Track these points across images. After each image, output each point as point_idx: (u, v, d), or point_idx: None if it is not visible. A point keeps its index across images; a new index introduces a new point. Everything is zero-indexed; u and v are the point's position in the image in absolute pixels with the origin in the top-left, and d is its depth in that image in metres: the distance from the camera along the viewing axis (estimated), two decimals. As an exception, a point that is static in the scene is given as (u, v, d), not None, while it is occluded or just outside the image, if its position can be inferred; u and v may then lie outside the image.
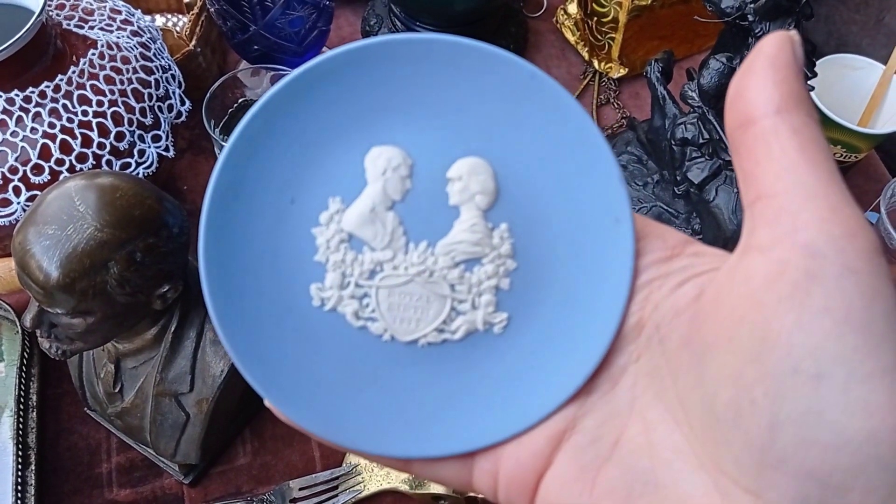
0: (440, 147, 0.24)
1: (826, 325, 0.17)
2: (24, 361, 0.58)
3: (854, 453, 0.17)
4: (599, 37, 0.80)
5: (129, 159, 0.55)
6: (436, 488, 0.54)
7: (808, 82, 0.51)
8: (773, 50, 0.19)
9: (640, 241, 0.23)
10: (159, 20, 0.80)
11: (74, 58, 0.53)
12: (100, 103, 0.53)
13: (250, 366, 0.23)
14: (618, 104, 0.81)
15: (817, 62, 0.70)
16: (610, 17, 0.78)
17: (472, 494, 0.54)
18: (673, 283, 0.22)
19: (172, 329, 0.49)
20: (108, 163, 0.53)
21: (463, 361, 0.24)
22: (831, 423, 0.17)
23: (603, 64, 0.81)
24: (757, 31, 0.51)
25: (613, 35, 0.78)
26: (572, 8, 0.83)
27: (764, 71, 0.19)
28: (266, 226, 0.23)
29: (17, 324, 0.60)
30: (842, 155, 0.70)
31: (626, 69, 0.80)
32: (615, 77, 0.81)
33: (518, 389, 0.23)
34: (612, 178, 0.23)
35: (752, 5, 0.50)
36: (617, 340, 0.23)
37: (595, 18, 0.79)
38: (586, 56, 0.83)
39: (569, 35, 0.85)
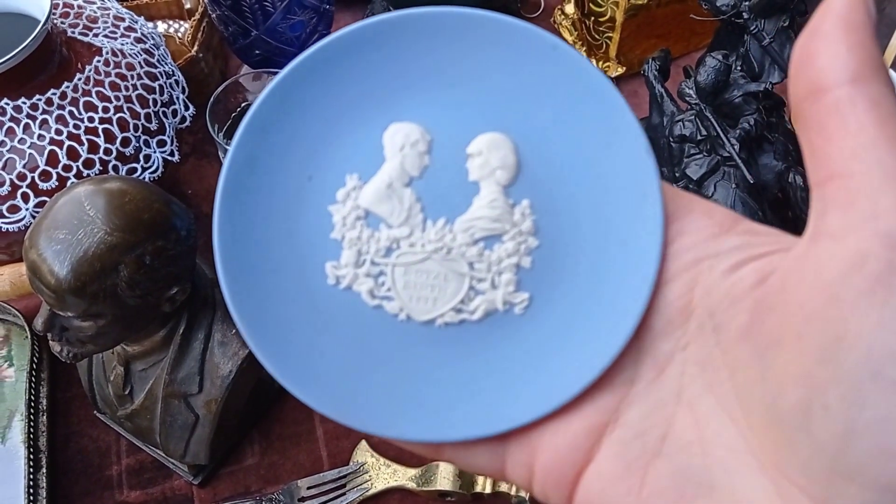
0: (460, 122, 0.23)
1: None
2: (34, 366, 0.59)
3: None
4: (597, 36, 0.81)
5: (135, 164, 0.56)
6: (442, 485, 0.55)
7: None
8: (845, 8, 0.17)
9: (683, 217, 0.22)
10: (161, 26, 0.81)
11: (80, 65, 0.54)
12: (106, 109, 0.53)
13: (262, 344, 0.22)
14: (616, 103, 0.82)
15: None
16: (607, 17, 0.78)
17: (478, 490, 0.55)
18: (726, 266, 0.20)
19: (181, 331, 0.50)
20: (115, 168, 0.54)
21: (482, 342, 0.23)
22: None
23: (601, 63, 0.82)
24: (752, 28, 0.52)
25: (611, 34, 0.79)
26: (569, 8, 0.84)
27: (836, 32, 0.17)
28: (283, 202, 0.23)
29: (27, 329, 0.60)
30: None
31: (624, 68, 0.81)
32: (613, 76, 0.82)
33: (540, 371, 0.22)
34: (638, 150, 0.22)
35: (746, 3, 0.51)
36: (661, 325, 0.21)
37: (592, 18, 0.80)
38: (584, 55, 0.83)
39: (566, 35, 0.85)
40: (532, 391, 0.22)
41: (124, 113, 0.54)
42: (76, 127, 0.52)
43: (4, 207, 0.51)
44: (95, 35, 0.57)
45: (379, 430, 0.22)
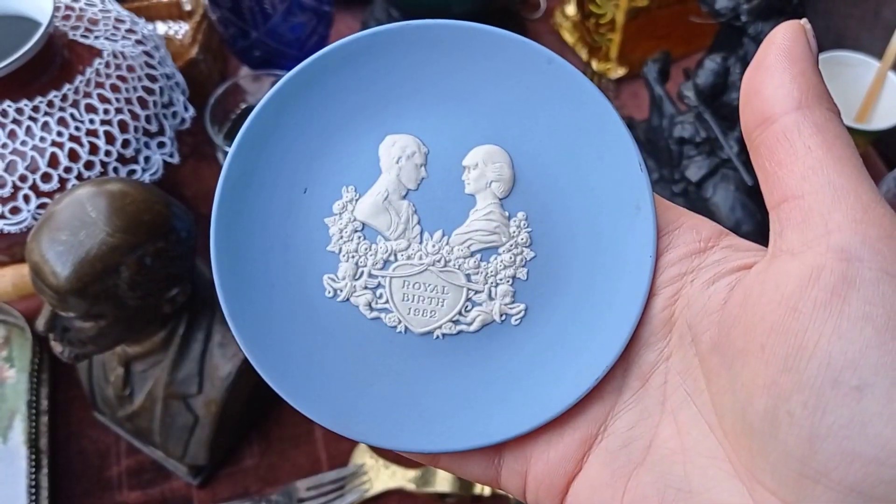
0: (456, 135, 0.23)
1: (867, 334, 0.16)
2: (35, 367, 0.59)
3: None
4: (597, 38, 0.81)
5: (135, 166, 0.56)
6: (442, 487, 0.55)
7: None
8: (787, 42, 0.18)
9: (672, 231, 0.22)
10: (161, 28, 0.81)
11: (80, 67, 0.54)
12: (106, 111, 0.53)
13: (261, 358, 0.22)
14: (617, 104, 0.82)
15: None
16: (608, 19, 0.78)
17: (477, 493, 0.55)
18: (705, 279, 0.21)
19: (181, 332, 0.50)
20: (115, 169, 0.54)
21: (479, 353, 0.23)
22: (875, 436, 0.16)
23: (601, 64, 0.82)
24: (750, 31, 0.52)
25: (611, 36, 0.79)
26: (570, 10, 0.84)
27: (779, 64, 0.18)
28: (278, 216, 0.23)
29: (28, 330, 0.60)
30: (838, 151, 0.70)
31: (626, 69, 0.81)
32: (614, 77, 0.82)
33: (536, 382, 0.22)
34: (632, 164, 0.22)
35: (745, 6, 0.51)
36: (646, 336, 0.22)
37: (593, 20, 0.80)
38: (585, 57, 0.83)
39: (567, 37, 0.85)
40: (528, 402, 0.22)
41: (125, 115, 0.54)
42: (77, 129, 0.52)
43: (6, 209, 0.51)
44: (96, 37, 0.57)
45: (378, 441, 0.22)
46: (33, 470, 0.55)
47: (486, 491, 0.55)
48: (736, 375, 0.19)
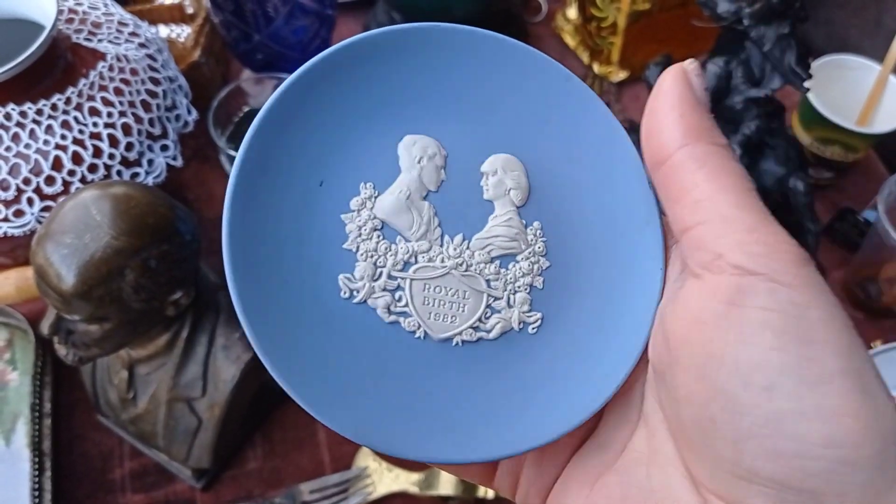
0: (474, 141, 0.23)
1: (767, 338, 0.17)
2: (38, 370, 0.59)
3: (819, 459, 0.17)
4: (599, 41, 0.81)
5: (138, 169, 0.56)
6: (445, 489, 0.55)
7: (805, 84, 0.52)
8: (669, 86, 0.20)
9: (671, 247, 0.23)
10: (163, 31, 0.81)
11: (84, 70, 0.54)
12: (110, 115, 0.53)
13: (275, 360, 0.21)
14: (619, 107, 0.82)
15: (815, 63, 0.70)
16: (609, 22, 0.78)
17: (480, 496, 0.55)
18: (667, 296, 0.22)
19: (185, 335, 0.50)
20: (119, 172, 0.54)
21: (497, 362, 0.23)
22: (791, 432, 0.17)
23: (603, 68, 0.82)
24: (752, 34, 0.52)
25: (612, 39, 0.79)
26: (571, 13, 0.85)
27: (664, 108, 0.20)
28: (293, 208, 0.22)
29: (31, 333, 0.60)
30: (840, 155, 0.70)
31: (628, 73, 0.81)
32: (615, 81, 0.82)
33: (557, 391, 0.22)
34: (640, 182, 0.23)
35: (747, 9, 0.51)
36: None
37: (594, 23, 0.80)
38: (586, 60, 0.84)
39: (568, 40, 0.86)
40: (549, 412, 0.22)
41: (128, 118, 0.55)
42: (81, 132, 0.52)
43: (10, 212, 0.51)
44: (100, 40, 0.57)
45: (401, 452, 0.21)
46: (36, 473, 0.55)
47: (490, 494, 0.55)
48: (670, 388, 0.20)
